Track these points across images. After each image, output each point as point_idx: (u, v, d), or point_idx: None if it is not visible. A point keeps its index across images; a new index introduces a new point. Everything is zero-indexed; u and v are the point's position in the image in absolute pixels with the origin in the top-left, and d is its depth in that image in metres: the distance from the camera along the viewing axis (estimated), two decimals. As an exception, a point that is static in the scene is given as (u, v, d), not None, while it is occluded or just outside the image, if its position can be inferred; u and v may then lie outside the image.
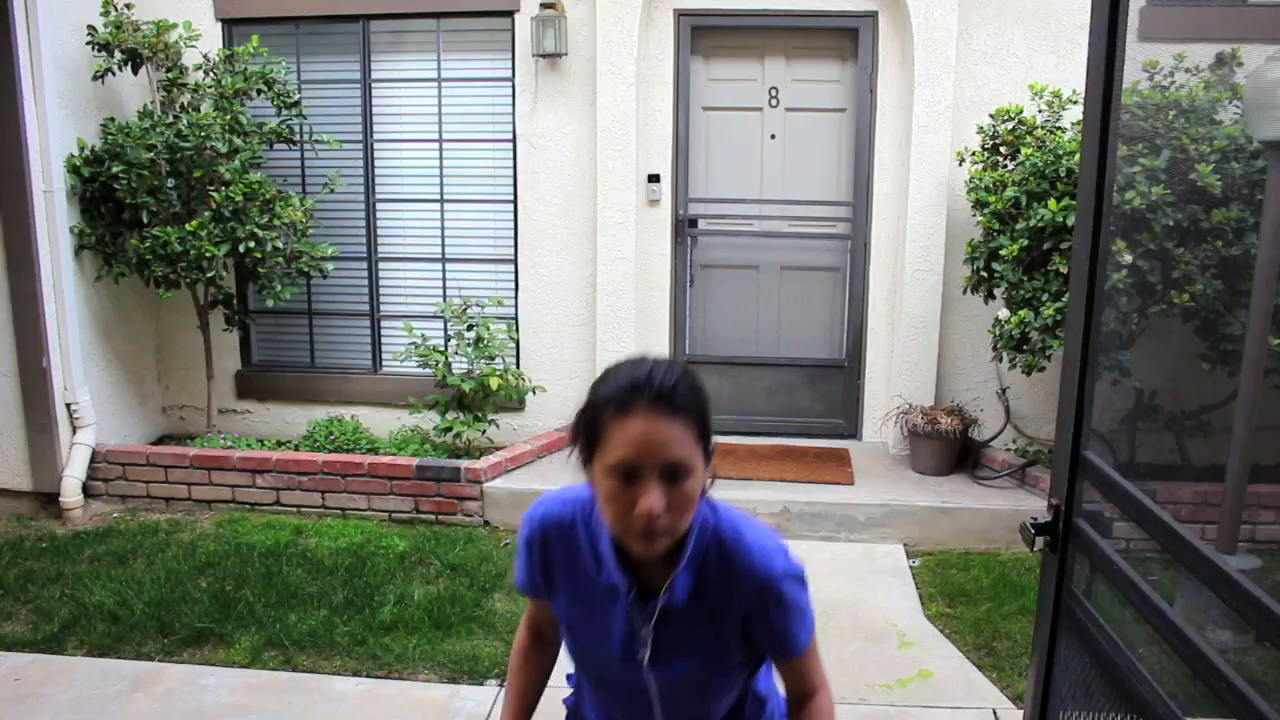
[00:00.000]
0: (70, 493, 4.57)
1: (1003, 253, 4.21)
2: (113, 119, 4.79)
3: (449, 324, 5.04)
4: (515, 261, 5.31)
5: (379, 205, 5.39)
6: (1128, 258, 3.67)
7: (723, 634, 1.35)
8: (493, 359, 4.81)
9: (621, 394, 1.21)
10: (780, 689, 1.51)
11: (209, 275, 4.71)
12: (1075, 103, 4.35)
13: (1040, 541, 1.80)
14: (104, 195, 4.68)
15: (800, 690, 1.43)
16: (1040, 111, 4.45)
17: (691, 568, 1.32)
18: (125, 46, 4.62)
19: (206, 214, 4.60)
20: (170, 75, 4.79)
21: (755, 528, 1.37)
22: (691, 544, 1.31)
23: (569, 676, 1.63)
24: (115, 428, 5.03)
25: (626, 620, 1.35)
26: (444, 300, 5.21)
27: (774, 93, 5.17)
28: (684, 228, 5.25)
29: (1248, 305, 3.06)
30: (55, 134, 4.45)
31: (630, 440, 1.19)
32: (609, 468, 1.21)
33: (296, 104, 4.84)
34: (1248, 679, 1.23)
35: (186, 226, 4.56)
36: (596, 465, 1.25)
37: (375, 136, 5.32)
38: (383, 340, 5.50)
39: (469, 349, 4.79)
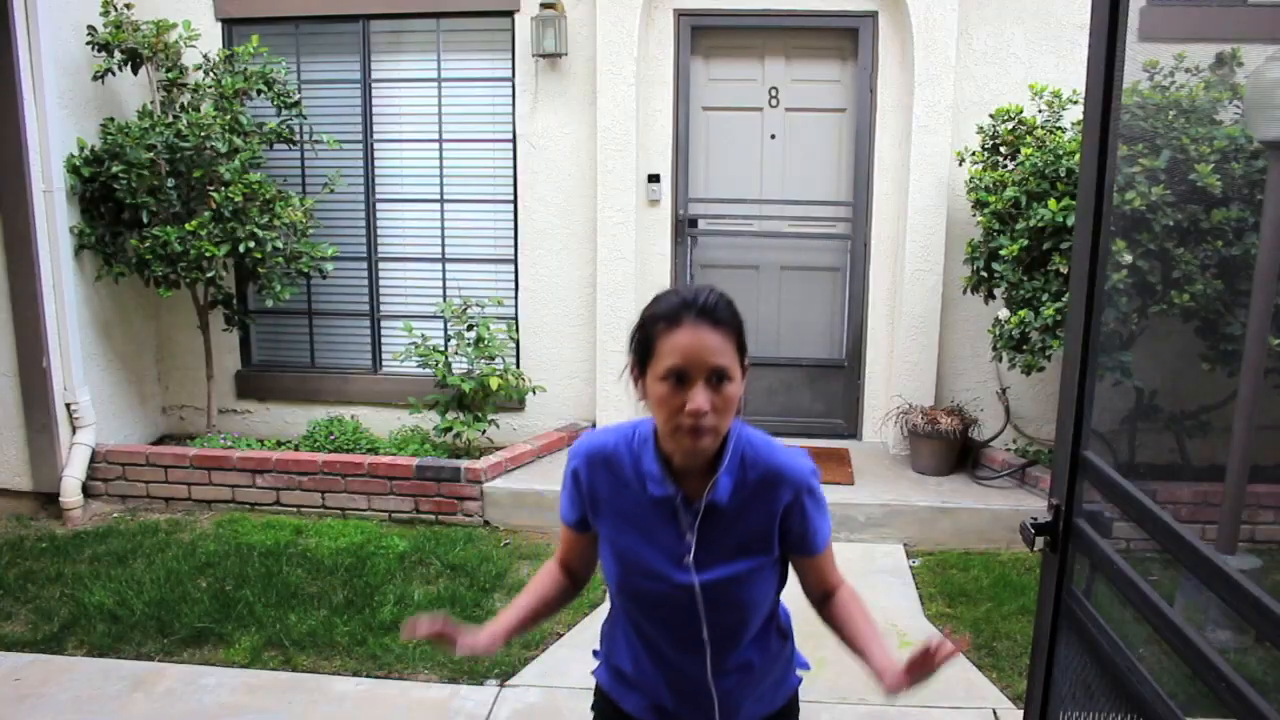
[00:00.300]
0: (70, 493, 4.57)
1: (1003, 253, 4.21)
2: (113, 119, 4.79)
3: (449, 324, 5.04)
4: (515, 261, 5.31)
5: (379, 205, 5.39)
6: (1128, 258, 3.67)
7: (759, 531, 1.50)
8: (493, 359, 4.81)
9: (672, 311, 1.40)
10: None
11: (209, 275, 4.71)
12: (1075, 103, 4.35)
13: (1040, 541, 1.80)
14: (104, 195, 4.68)
15: (826, 587, 1.60)
16: (1040, 111, 4.45)
17: (730, 471, 1.48)
18: (125, 46, 4.62)
19: (206, 214, 4.60)
20: (170, 75, 4.79)
21: (777, 441, 1.56)
22: (730, 451, 1.47)
23: (595, 652, 1.74)
24: (115, 428, 5.03)
25: (672, 525, 1.49)
26: (444, 300, 5.21)
27: (774, 93, 5.17)
28: (684, 228, 5.25)
29: (1248, 305, 3.06)
30: (55, 134, 4.45)
31: (679, 349, 1.38)
32: (661, 375, 1.39)
33: (296, 104, 4.84)
34: (1248, 679, 1.23)
35: (186, 226, 4.56)
36: (650, 375, 1.42)
37: (375, 136, 5.32)
38: (383, 340, 5.50)
39: (469, 349, 4.79)
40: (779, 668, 1.67)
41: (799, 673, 1.75)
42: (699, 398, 1.37)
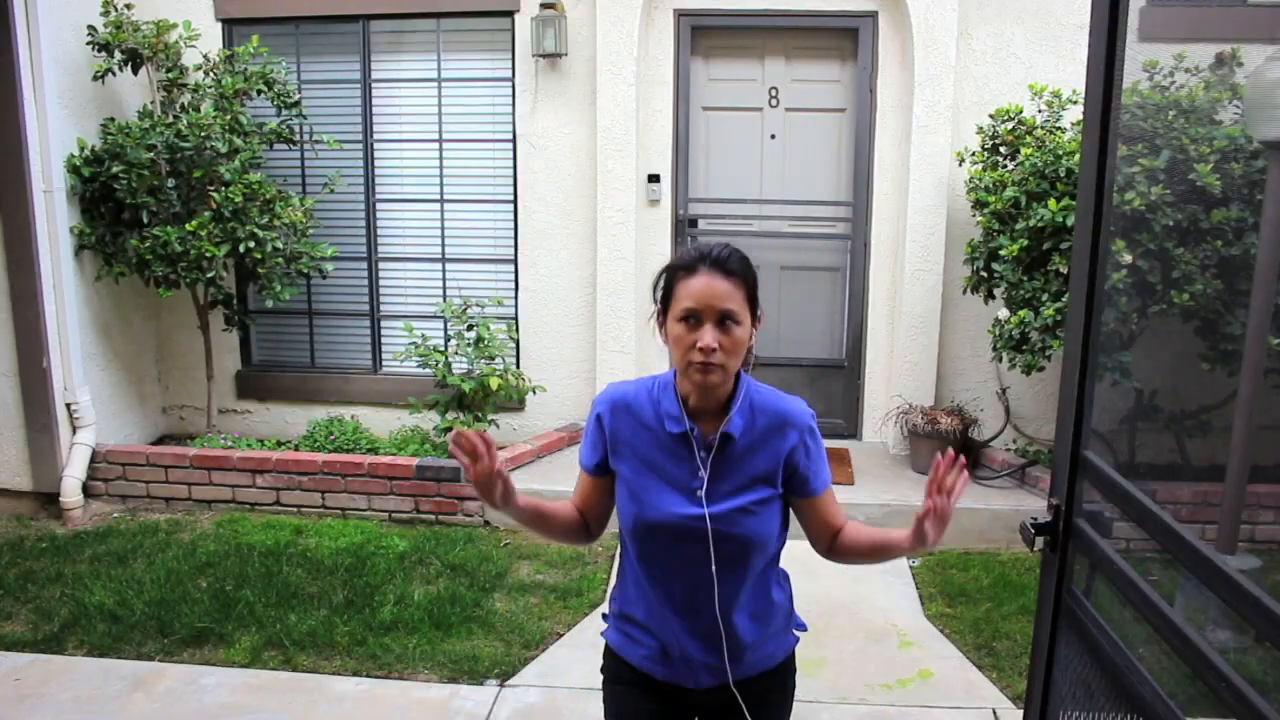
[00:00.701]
0: (70, 493, 4.57)
1: (1003, 253, 4.21)
2: (113, 119, 4.79)
3: (449, 324, 5.04)
4: (515, 261, 5.31)
5: (379, 205, 5.39)
6: (1128, 258, 3.68)
7: (766, 470, 1.66)
8: (493, 359, 4.81)
9: (690, 261, 1.60)
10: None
11: (209, 275, 4.71)
12: (1075, 103, 4.35)
13: (1040, 541, 1.80)
14: (104, 195, 4.68)
15: (833, 527, 1.73)
16: (1040, 111, 4.45)
17: (741, 413, 1.65)
18: (125, 46, 4.62)
19: (206, 214, 4.60)
20: (170, 75, 4.79)
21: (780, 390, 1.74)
22: (740, 396, 1.66)
23: (604, 615, 1.87)
24: (115, 428, 5.03)
25: (688, 462, 1.65)
26: (444, 300, 5.21)
27: (774, 93, 5.17)
28: (684, 228, 5.25)
29: (1247, 305, 3.06)
30: (55, 134, 4.45)
31: (693, 293, 1.57)
32: (678, 316, 1.58)
33: (296, 104, 4.84)
34: (1248, 679, 1.23)
35: (186, 226, 4.56)
36: (669, 317, 1.61)
37: (375, 136, 5.32)
38: (383, 340, 5.50)
39: (469, 349, 4.79)
40: (779, 619, 1.78)
41: (796, 633, 1.84)
42: (708, 336, 1.55)
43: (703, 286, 1.56)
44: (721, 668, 1.70)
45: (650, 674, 1.74)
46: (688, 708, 1.77)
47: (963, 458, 1.53)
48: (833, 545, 1.74)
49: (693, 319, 1.57)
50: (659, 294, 1.66)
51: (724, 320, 1.57)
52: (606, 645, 1.83)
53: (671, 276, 1.62)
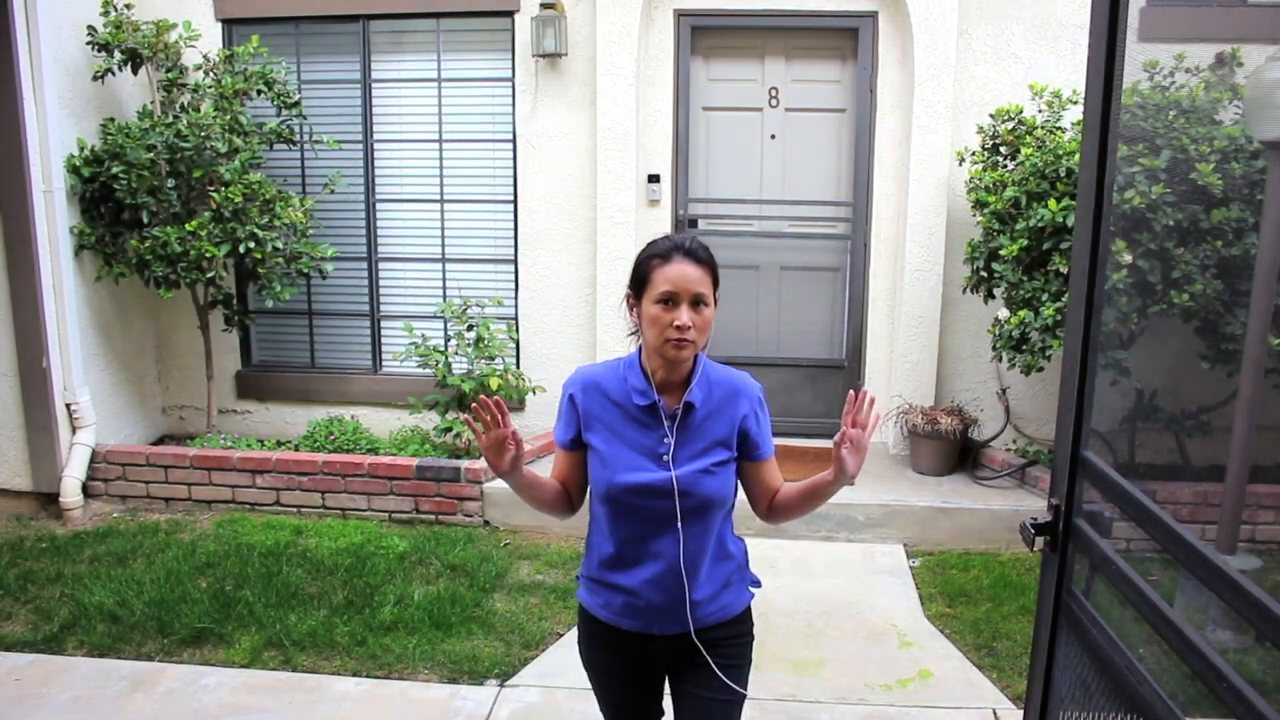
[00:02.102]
0: (70, 493, 4.57)
1: (1003, 253, 4.21)
2: (113, 119, 4.79)
3: (449, 324, 5.04)
4: (515, 261, 5.31)
5: (379, 205, 5.39)
6: (1128, 258, 3.68)
7: (723, 435, 1.86)
8: (493, 359, 4.81)
9: (665, 250, 1.81)
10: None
11: (209, 275, 4.71)
12: (1075, 103, 4.35)
13: (1040, 541, 1.80)
14: (104, 195, 4.68)
15: (771, 489, 1.95)
16: (1040, 111, 4.45)
17: (700, 385, 1.86)
18: (125, 46, 4.62)
19: (206, 214, 4.60)
20: (170, 75, 4.79)
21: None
22: (699, 371, 1.87)
23: (577, 578, 2.03)
24: (115, 428, 5.03)
25: (654, 430, 1.84)
26: (444, 300, 5.21)
27: (774, 93, 5.17)
28: (684, 228, 5.25)
29: (1248, 305, 3.06)
30: (55, 134, 4.45)
31: (670, 278, 1.77)
32: (655, 299, 1.78)
33: (296, 104, 4.84)
34: (1248, 679, 1.22)
35: (186, 227, 4.56)
36: (645, 300, 1.80)
37: (375, 137, 5.32)
38: (383, 340, 5.50)
39: (469, 349, 4.79)
40: (735, 572, 1.96)
41: (751, 589, 2.02)
42: (684, 315, 1.76)
43: (678, 273, 1.77)
44: (684, 615, 1.86)
45: (617, 626, 1.91)
46: (650, 660, 1.94)
47: (873, 395, 1.80)
48: (771, 505, 1.95)
49: (670, 301, 1.77)
50: (633, 279, 1.85)
51: (696, 303, 1.78)
52: (580, 605, 2.01)
53: (647, 265, 1.81)
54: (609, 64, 4.94)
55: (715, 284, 1.83)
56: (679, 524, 1.83)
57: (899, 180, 5.03)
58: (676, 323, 1.76)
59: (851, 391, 1.80)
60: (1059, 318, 3.95)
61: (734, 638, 1.95)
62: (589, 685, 2.07)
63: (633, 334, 1.93)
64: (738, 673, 1.94)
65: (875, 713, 3.05)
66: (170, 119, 4.66)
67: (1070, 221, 3.88)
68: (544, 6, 4.88)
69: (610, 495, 1.85)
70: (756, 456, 1.91)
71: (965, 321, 5.03)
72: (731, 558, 1.95)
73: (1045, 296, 4.09)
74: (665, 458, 1.83)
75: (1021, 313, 4.14)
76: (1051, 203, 4.01)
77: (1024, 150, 4.25)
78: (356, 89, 5.28)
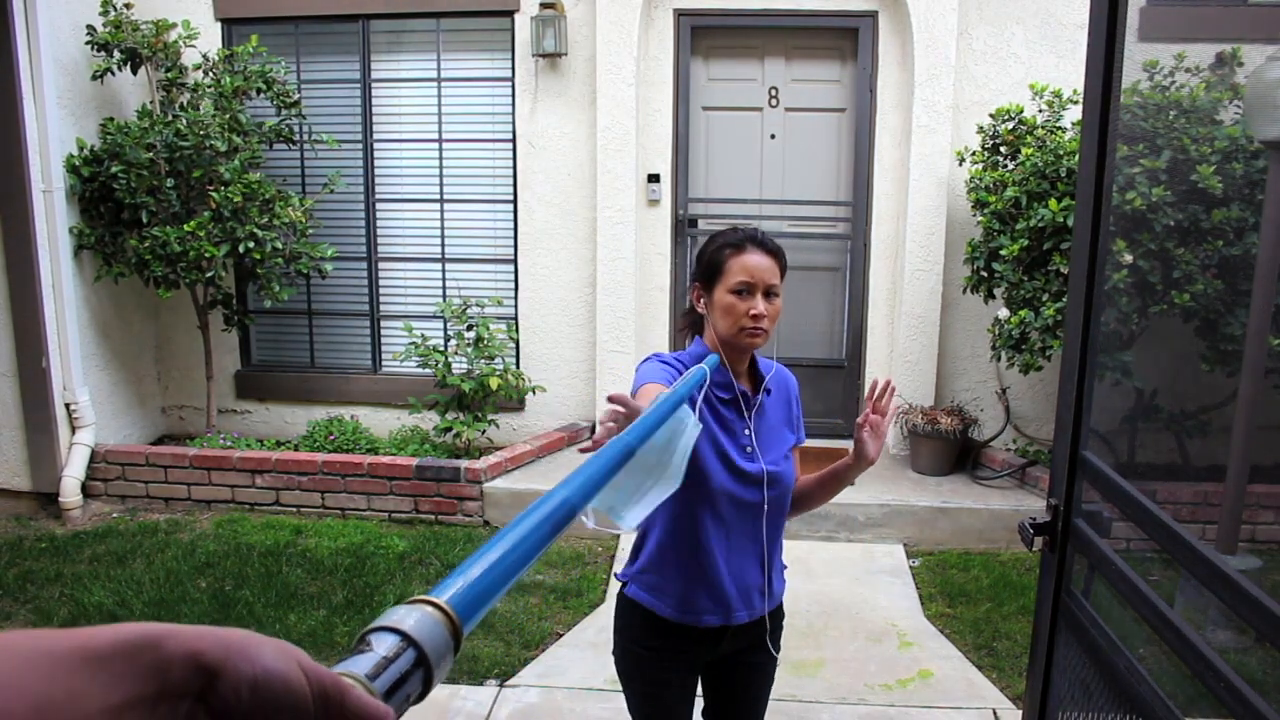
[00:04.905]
0: (69, 493, 4.57)
1: (1003, 253, 4.21)
2: (112, 119, 4.79)
3: (449, 324, 5.04)
4: (515, 261, 5.31)
5: (379, 205, 5.39)
6: (1128, 258, 3.68)
7: (786, 419, 1.94)
8: (492, 359, 4.81)
9: (739, 240, 1.81)
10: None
11: (208, 275, 4.71)
12: (1075, 103, 4.35)
13: (1039, 541, 1.80)
14: (103, 195, 4.68)
15: (797, 474, 1.97)
16: (1040, 111, 4.45)
17: (769, 373, 1.91)
18: (125, 46, 4.62)
19: (206, 214, 4.60)
20: (169, 75, 4.79)
21: None
22: (759, 362, 1.91)
23: (628, 583, 1.90)
24: (115, 428, 5.03)
25: (736, 421, 1.84)
26: (444, 300, 5.21)
27: (774, 93, 5.17)
28: (684, 228, 5.25)
29: (1248, 305, 3.06)
30: (55, 134, 4.45)
31: (746, 268, 1.78)
32: (731, 288, 1.78)
33: (296, 104, 4.84)
34: (1248, 679, 1.22)
35: (186, 226, 4.55)
36: (718, 289, 1.80)
37: (375, 136, 5.32)
38: (382, 340, 5.50)
39: (469, 349, 4.79)
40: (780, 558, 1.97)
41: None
42: (759, 304, 1.77)
43: (755, 263, 1.78)
44: (762, 603, 1.87)
45: (694, 625, 1.82)
46: (698, 662, 1.90)
47: (894, 384, 1.84)
48: (793, 494, 1.95)
49: (745, 291, 1.78)
50: (704, 269, 1.83)
51: (769, 292, 1.79)
52: (638, 610, 1.87)
53: (720, 254, 1.81)
54: (609, 64, 4.93)
55: (783, 275, 1.83)
56: (764, 512, 1.84)
57: (899, 180, 5.03)
58: (753, 311, 1.77)
59: (875, 379, 1.83)
60: (1059, 318, 3.94)
61: (781, 623, 2.00)
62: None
63: (683, 330, 1.93)
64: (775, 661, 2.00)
65: (875, 713, 3.05)
66: (170, 118, 4.66)
67: (1070, 221, 3.88)
68: (544, 6, 4.88)
69: (705, 494, 1.79)
70: (796, 441, 1.97)
71: (965, 321, 5.02)
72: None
73: (1045, 296, 4.09)
74: (749, 449, 1.84)
75: (1022, 312, 4.14)
76: (1052, 203, 4.01)
77: (1024, 150, 4.25)
78: (356, 89, 5.28)
